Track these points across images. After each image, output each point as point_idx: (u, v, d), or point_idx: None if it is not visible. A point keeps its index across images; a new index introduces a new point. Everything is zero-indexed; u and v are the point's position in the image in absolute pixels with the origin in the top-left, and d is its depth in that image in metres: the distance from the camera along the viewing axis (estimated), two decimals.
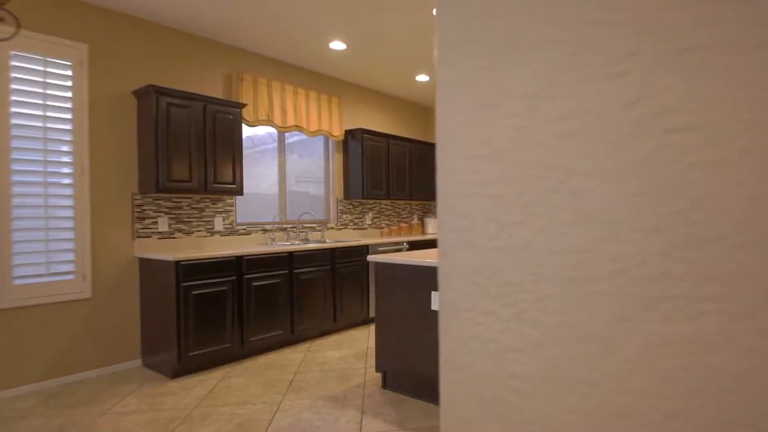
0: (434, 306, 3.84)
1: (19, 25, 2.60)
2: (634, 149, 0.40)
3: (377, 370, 4.25)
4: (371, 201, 7.90)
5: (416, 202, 8.98)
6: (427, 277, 3.90)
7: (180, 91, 4.89)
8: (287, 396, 4.09)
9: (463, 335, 0.50)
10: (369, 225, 7.87)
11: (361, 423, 3.56)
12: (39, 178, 4.28)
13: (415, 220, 8.90)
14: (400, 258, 4.08)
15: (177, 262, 4.50)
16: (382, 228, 8.09)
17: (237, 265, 5.02)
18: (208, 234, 5.58)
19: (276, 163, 6.51)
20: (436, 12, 0.52)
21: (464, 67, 0.49)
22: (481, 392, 0.49)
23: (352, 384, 4.35)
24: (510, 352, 0.47)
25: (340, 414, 3.72)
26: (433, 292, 3.85)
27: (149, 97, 4.76)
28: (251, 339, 5.10)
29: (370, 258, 4.29)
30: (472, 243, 0.49)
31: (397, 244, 7.06)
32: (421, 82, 7.52)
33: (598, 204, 0.41)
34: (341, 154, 7.39)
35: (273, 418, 3.67)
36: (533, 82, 0.45)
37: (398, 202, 8.49)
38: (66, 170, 4.46)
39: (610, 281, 0.41)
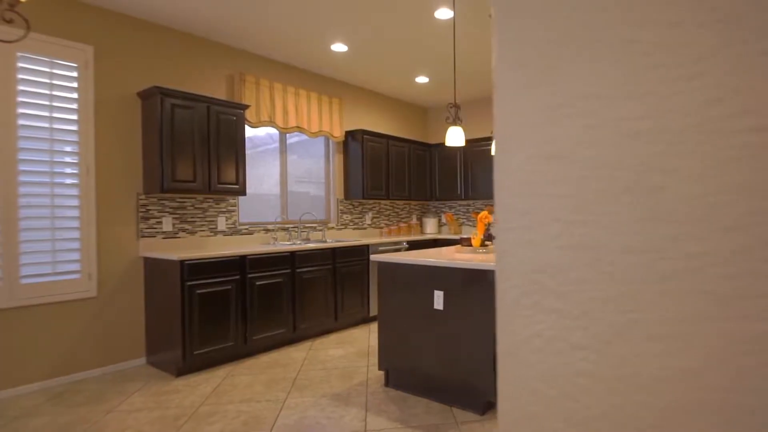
0: (437, 305, 3.84)
1: (28, 28, 2.59)
2: (713, 149, 0.40)
3: (380, 369, 4.25)
4: (371, 201, 7.90)
5: (415, 202, 8.97)
6: (430, 277, 3.89)
7: (184, 93, 4.88)
8: (291, 394, 4.09)
9: (524, 333, 0.50)
10: (369, 225, 7.86)
11: (365, 420, 3.56)
12: (45, 179, 4.26)
13: (414, 220, 8.89)
14: (403, 258, 4.08)
15: (182, 262, 4.49)
16: (381, 228, 8.09)
17: (241, 264, 5.01)
18: (212, 234, 5.57)
19: (276, 163, 6.50)
20: (494, 13, 0.52)
21: (530, 67, 0.49)
22: (545, 389, 0.49)
23: (355, 382, 4.35)
24: (577, 350, 0.47)
25: (344, 412, 3.72)
26: (435, 292, 3.85)
27: (154, 98, 4.75)
28: (254, 337, 5.09)
29: (374, 257, 4.29)
30: (534, 242, 0.49)
31: (396, 243, 7.06)
32: (420, 83, 7.51)
33: (674, 203, 0.41)
34: (341, 155, 7.38)
35: (278, 415, 3.67)
36: (605, 82, 0.45)
37: (397, 202, 8.49)
38: (72, 170, 4.44)
39: (686, 279, 0.41)
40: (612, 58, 0.44)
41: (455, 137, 4.47)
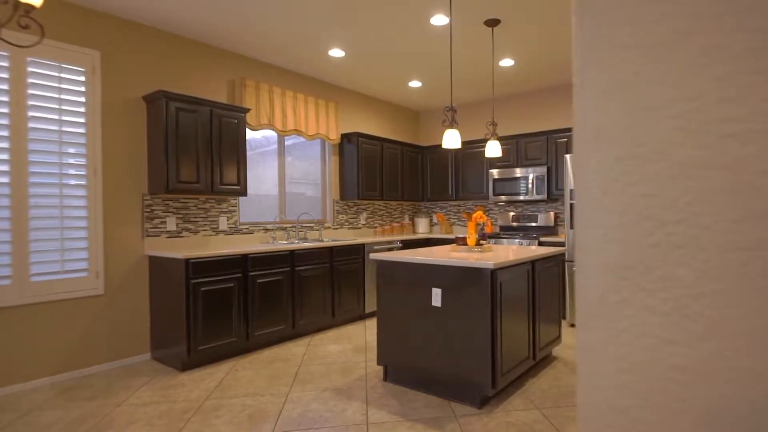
0: (435, 302, 3.84)
1: (43, 33, 2.55)
2: None
3: (378, 364, 4.25)
4: (366, 202, 7.90)
5: (407, 203, 8.97)
6: (429, 275, 3.89)
7: (188, 96, 4.85)
8: (294, 388, 4.07)
9: (610, 328, 0.50)
10: (363, 225, 7.85)
11: (366, 414, 3.55)
12: (54, 180, 4.22)
13: (407, 220, 8.90)
14: (403, 256, 4.08)
15: (187, 260, 4.46)
16: (375, 227, 8.08)
17: (243, 262, 4.98)
18: (213, 233, 5.53)
19: (273, 165, 6.48)
20: (576, 19, 0.52)
21: (618, 71, 0.49)
22: (635, 382, 0.49)
23: (355, 377, 4.34)
24: (669, 345, 0.47)
25: (346, 405, 3.71)
26: (434, 289, 3.85)
27: (159, 102, 4.71)
28: (256, 333, 5.07)
29: (373, 256, 4.28)
30: (622, 240, 0.49)
31: (390, 242, 7.06)
32: (413, 87, 7.52)
33: None
34: (337, 157, 7.37)
35: (282, 409, 3.65)
36: (696, 85, 0.45)
37: (391, 202, 8.49)
38: (79, 172, 4.39)
39: None
40: (703, 63, 0.44)
41: (452, 140, 4.47)
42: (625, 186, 0.49)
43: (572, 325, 6.07)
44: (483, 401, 3.64)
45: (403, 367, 4.07)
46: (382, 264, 4.24)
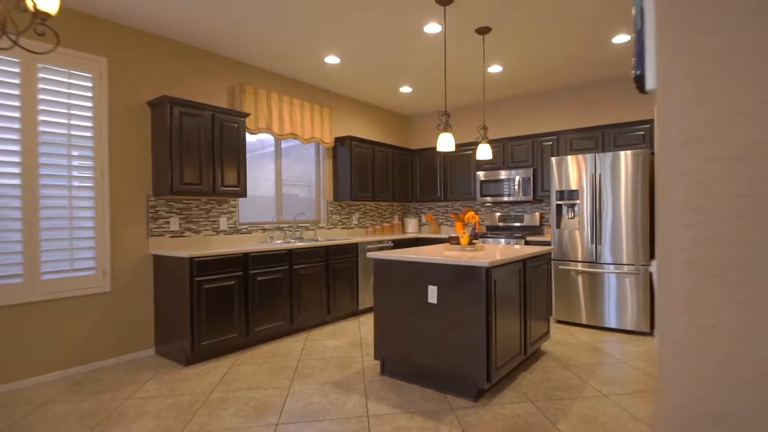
0: (431, 299, 3.91)
1: (58, 41, 2.59)
2: None
3: (376, 358, 4.31)
4: (358, 202, 7.96)
5: (397, 204, 9.04)
6: (424, 273, 3.97)
7: (191, 102, 4.88)
8: (295, 381, 4.13)
9: (698, 323, 0.56)
10: (356, 224, 7.91)
11: (366, 406, 3.62)
12: (63, 182, 4.24)
13: (396, 220, 8.96)
14: (399, 255, 4.14)
15: (191, 259, 4.50)
16: (367, 227, 8.14)
17: (244, 261, 5.03)
18: (214, 233, 5.57)
19: (270, 167, 6.52)
20: (659, 27, 0.57)
21: (708, 77, 0.55)
22: (724, 374, 0.55)
23: (353, 371, 4.40)
24: (760, 338, 0.53)
25: (346, 398, 3.77)
26: (430, 287, 3.93)
27: (163, 106, 4.75)
28: (256, 329, 5.12)
29: (371, 254, 4.35)
30: (713, 238, 0.54)
31: (381, 242, 7.12)
32: (404, 93, 7.58)
33: None
34: (331, 160, 7.42)
35: (285, 401, 3.71)
36: None
37: (382, 203, 8.56)
38: (87, 174, 4.42)
39: None
40: None
41: (446, 143, 4.54)
42: (715, 186, 0.54)
43: (559, 321, 6.18)
44: (478, 394, 3.72)
45: (400, 362, 4.15)
46: (379, 262, 4.30)
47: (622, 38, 5.28)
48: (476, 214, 7.52)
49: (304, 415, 3.46)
